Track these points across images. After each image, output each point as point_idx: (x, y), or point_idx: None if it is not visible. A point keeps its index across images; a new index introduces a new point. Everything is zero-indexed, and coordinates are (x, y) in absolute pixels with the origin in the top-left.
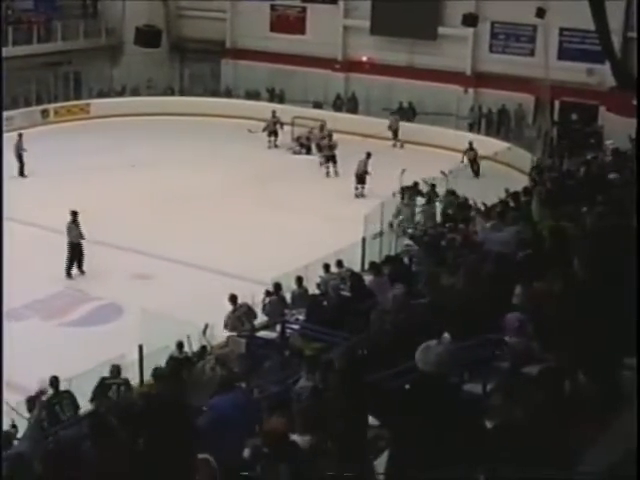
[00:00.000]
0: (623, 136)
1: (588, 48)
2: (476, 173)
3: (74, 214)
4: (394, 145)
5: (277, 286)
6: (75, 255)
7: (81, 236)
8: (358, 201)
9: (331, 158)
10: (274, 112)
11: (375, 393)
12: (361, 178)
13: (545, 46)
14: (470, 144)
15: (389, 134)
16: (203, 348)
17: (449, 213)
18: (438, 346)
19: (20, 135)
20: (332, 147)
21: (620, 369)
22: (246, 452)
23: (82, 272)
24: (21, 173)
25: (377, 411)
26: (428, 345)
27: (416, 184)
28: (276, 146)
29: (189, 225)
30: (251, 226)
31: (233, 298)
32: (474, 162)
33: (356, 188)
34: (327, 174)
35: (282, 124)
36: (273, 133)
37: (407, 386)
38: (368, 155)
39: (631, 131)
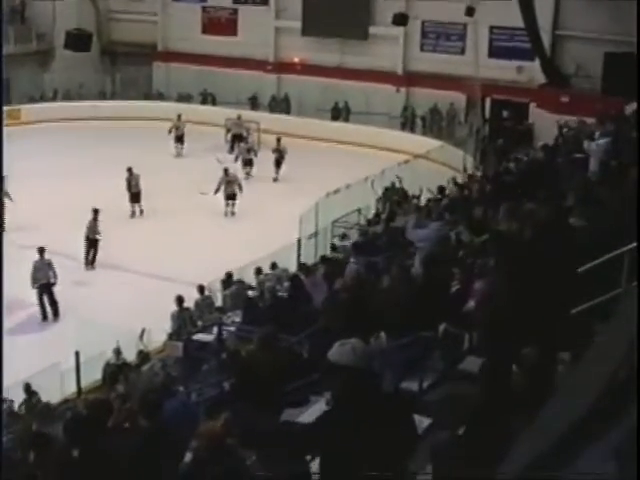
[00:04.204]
0: (553, 132)
1: (518, 46)
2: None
3: (95, 212)
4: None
5: (201, 288)
6: (90, 249)
7: (98, 233)
8: (293, 202)
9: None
10: (179, 116)
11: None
12: (229, 195)
13: (475, 44)
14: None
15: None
16: (140, 353)
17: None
18: (356, 341)
19: None
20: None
21: (554, 364)
22: (187, 456)
23: (93, 267)
24: None
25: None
26: (344, 341)
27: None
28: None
29: (123, 230)
30: (185, 230)
31: (179, 299)
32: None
33: (226, 205)
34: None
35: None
36: (179, 139)
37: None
38: (226, 170)
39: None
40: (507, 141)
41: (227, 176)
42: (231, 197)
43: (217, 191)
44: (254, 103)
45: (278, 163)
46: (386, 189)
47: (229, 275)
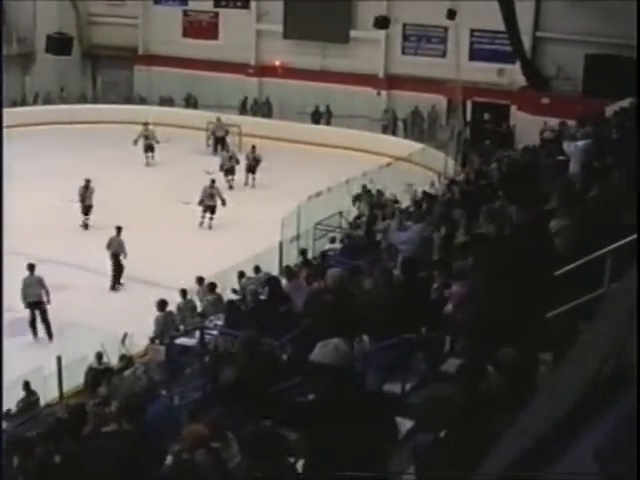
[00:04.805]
0: (534, 134)
1: (498, 48)
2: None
3: (118, 229)
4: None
5: (183, 292)
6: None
7: (123, 250)
8: (275, 205)
9: (251, 170)
10: (146, 124)
11: (285, 405)
12: (209, 207)
13: (456, 47)
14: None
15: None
16: (123, 357)
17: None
18: (338, 341)
19: None
20: (256, 161)
21: (535, 364)
22: (168, 459)
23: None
24: None
25: (289, 423)
26: (327, 341)
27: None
28: (152, 163)
29: (104, 234)
30: (166, 235)
31: (162, 303)
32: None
33: (203, 217)
34: (246, 184)
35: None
36: (149, 148)
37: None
38: (213, 182)
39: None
40: (489, 143)
41: (212, 188)
42: (210, 209)
43: (201, 202)
44: (244, 107)
45: (252, 169)
46: (358, 194)
47: (200, 279)
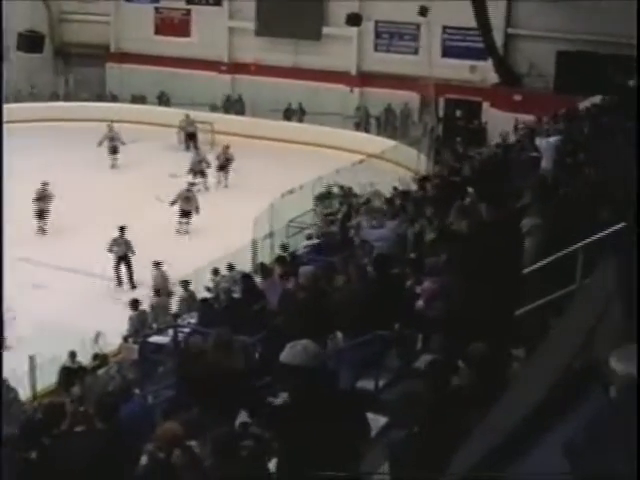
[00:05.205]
0: (506, 131)
1: (471, 45)
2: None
3: (122, 229)
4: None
5: (157, 291)
6: (125, 266)
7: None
8: (248, 203)
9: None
10: (110, 126)
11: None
12: (186, 212)
13: (428, 44)
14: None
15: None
16: (96, 356)
17: (340, 210)
18: (307, 342)
19: None
20: (228, 160)
21: (507, 360)
22: (143, 459)
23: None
24: None
25: (262, 423)
26: (295, 342)
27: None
28: (117, 165)
29: (77, 233)
30: (140, 232)
31: (135, 302)
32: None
33: (179, 222)
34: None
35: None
36: (114, 150)
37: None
38: (191, 185)
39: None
40: (461, 140)
41: (188, 192)
42: (187, 214)
43: (174, 203)
44: (227, 105)
45: (223, 168)
46: (321, 195)
47: (185, 283)
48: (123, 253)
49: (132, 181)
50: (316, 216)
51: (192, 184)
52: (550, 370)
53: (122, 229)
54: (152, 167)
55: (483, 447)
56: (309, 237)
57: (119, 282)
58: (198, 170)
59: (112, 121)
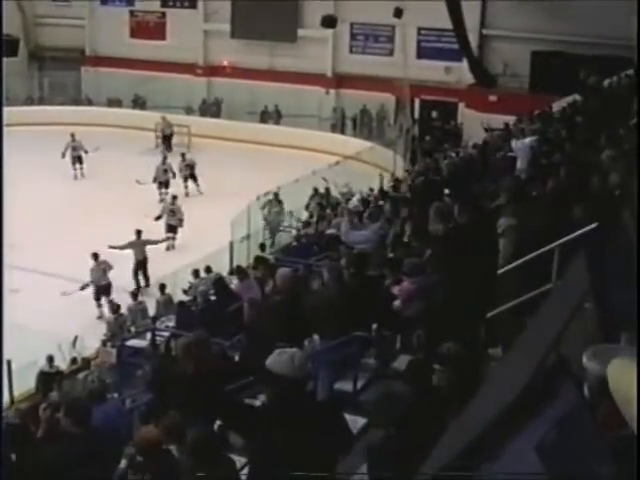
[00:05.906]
0: (481, 132)
1: (445, 46)
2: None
3: (139, 233)
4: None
5: (134, 294)
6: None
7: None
8: (224, 206)
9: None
10: (73, 135)
11: (236, 410)
12: (172, 227)
13: (403, 46)
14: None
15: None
16: (74, 360)
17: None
18: (295, 350)
19: None
20: (191, 167)
21: (485, 360)
22: (122, 463)
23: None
24: None
25: (238, 428)
26: (283, 350)
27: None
28: (82, 175)
29: (54, 237)
30: (116, 235)
31: (116, 307)
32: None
33: (167, 237)
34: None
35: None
36: (77, 159)
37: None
38: (174, 198)
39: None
40: (435, 141)
41: (173, 205)
42: (173, 229)
43: (159, 218)
44: (203, 108)
45: (188, 178)
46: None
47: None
48: (144, 257)
49: (102, 186)
50: (293, 218)
51: (175, 197)
52: (524, 369)
53: (139, 232)
54: (128, 170)
55: (456, 446)
56: (287, 238)
57: (139, 285)
58: (163, 180)
59: (87, 125)
